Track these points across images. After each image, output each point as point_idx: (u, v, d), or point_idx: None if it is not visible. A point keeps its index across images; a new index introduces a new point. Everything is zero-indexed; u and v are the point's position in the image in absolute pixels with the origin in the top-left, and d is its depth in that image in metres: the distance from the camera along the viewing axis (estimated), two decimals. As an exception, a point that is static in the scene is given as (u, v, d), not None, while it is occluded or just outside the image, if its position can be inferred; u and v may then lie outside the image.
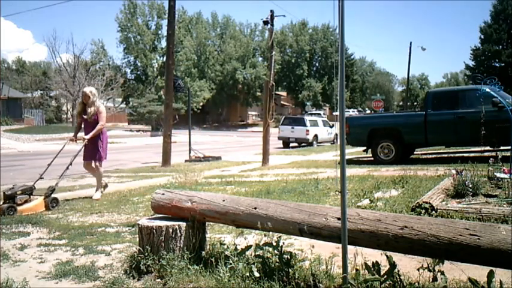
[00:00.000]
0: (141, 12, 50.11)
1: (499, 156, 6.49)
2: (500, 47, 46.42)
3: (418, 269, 2.54)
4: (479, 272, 2.54)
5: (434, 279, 2.48)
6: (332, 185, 6.83)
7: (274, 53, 14.24)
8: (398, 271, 2.52)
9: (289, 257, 2.87)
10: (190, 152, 14.32)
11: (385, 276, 2.49)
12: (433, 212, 4.44)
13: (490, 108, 8.42)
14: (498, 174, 5.82)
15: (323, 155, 15.02)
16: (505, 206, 4.58)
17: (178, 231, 3.26)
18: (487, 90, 8.77)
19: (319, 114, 43.02)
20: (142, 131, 40.67)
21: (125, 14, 49.18)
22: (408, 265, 3.06)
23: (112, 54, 75.34)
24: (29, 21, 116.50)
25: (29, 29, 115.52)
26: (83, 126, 6.91)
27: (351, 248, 2.62)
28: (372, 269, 2.54)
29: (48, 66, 54.35)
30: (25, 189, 5.88)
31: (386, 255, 2.54)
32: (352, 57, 65.54)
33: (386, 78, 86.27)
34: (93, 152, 6.79)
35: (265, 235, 3.70)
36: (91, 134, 6.62)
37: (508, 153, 6.42)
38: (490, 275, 2.26)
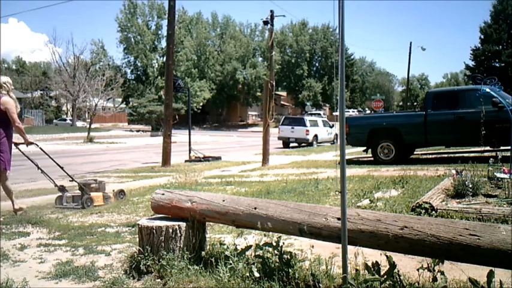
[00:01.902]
0: (141, 12, 50.18)
1: (499, 156, 6.49)
2: (500, 47, 46.38)
3: (418, 269, 2.54)
4: (479, 272, 2.54)
5: (434, 279, 2.48)
6: (332, 185, 6.83)
7: (274, 53, 14.24)
8: (398, 271, 2.52)
9: (289, 257, 2.87)
10: (190, 152, 14.32)
11: (385, 276, 2.49)
12: (433, 212, 4.44)
13: (490, 108, 8.41)
14: (498, 174, 5.82)
15: (323, 155, 15.02)
16: (505, 206, 4.58)
17: (178, 232, 3.26)
18: (487, 90, 8.76)
19: (319, 114, 43.04)
20: (142, 131, 40.70)
21: (125, 14, 49.25)
22: (408, 265, 3.06)
23: (112, 54, 75.44)
24: (29, 21, 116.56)
25: (28, 28, 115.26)
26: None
27: (350, 248, 2.62)
28: (372, 269, 2.54)
29: (48, 66, 54.35)
30: None
31: (386, 255, 2.54)
32: (352, 57, 65.53)
33: (386, 78, 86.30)
34: None
35: (265, 235, 3.70)
36: None
37: (508, 153, 6.42)
38: (490, 275, 2.26)
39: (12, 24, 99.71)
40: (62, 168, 6.32)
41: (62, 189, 6.27)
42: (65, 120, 48.85)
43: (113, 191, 6.71)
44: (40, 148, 6.15)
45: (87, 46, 79.39)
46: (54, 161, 6.25)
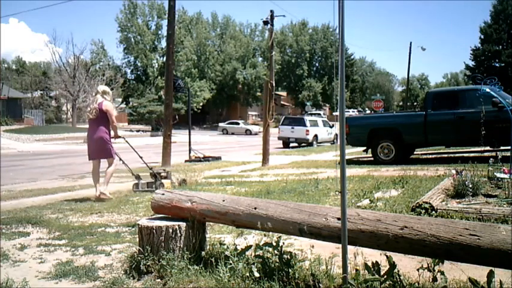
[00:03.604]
0: (141, 12, 50.15)
1: (499, 156, 6.49)
2: (500, 47, 46.39)
3: (418, 269, 2.54)
4: (479, 272, 2.54)
5: (434, 279, 2.48)
6: (332, 185, 6.83)
7: (274, 53, 14.24)
8: (398, 271, 2.52)
9: (289, 257, 2.87)
10: (190, 152, 14.32)
11: (385, 276, 2.49)
12: (433, 212, 4.44)
13: (490, 108, 8.41)
14: (498, 174, 5.82)
15: (323, 155, 15.02)
16: (505, 206, 4.58)
17: (178, 232, 3.26)
18: (487, 90, 8.77)
19: (319, 114, 43.06)
20: (142, 131, 40.67)
21: (125, 14, 49.22)
22: (408, 265, 3.06)
23: (112, 54, 75.31)
24: (30, 21, 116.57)
25: (29, 28, 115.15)
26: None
27: (350, 248, 2.62)
28: (372, 269, 2.54)
29: (48, 66, 54.37)
30: None
31: (386, 255, 2.54)
32: (352, 57, 65.56)
33: (386, 78, 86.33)
34: None
35: (265, 235, 3.70)
36: None
37: (508, 153, 6.42)
38: (490, 275, 2.26)
39: (12, 24, 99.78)
40: (141, 158, 7.43)
41: (138, 177, 7.41)
42: (238, 124, 42.88)
43: (177, 179, 7.94)
44: (126, 141, 7.30)
45: (87, 46, 79.56)
46: (137, 153, 7.41)
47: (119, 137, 7.08)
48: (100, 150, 6.77)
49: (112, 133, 6.90)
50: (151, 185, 7.33)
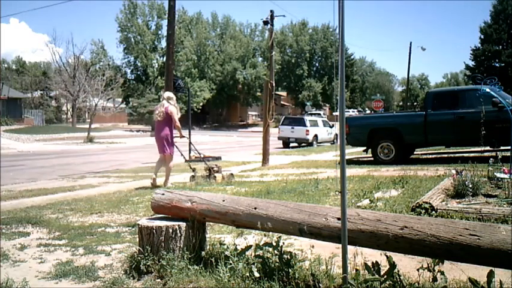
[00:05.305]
0: (141, 12, 50.11)
1: (499, 156, 6.49)
2: (500, 47, 46.36)
3: (418, 269, 2.54)
4: (479, 272, 2.54)
5: (434, 279, 2.48)
6: (332, 185, 6.82)
7: (274, 53, 14.24)
8: (398, 271, 2.52)
9: (289, 257, 2.87)
10: (190, 152, 14.30)
11: (385, 276, 2.49)
12: (433, 212, 4.44)
13: (490, 108, 8.41)
14: (498, 174, 5.82)
15: (323, 155, 15.02)
16: (505, 206, 4.58)
17: (178, 232, 3.26)
18: (487, 90, 8.76)
19: (319, 114, 43.02)
20: (142, 131, 40.67)
21: (125, 14, 49.18)
22: (408, 265, 3.06)
23: (112, 54, 75.23)
24: (30, 21, 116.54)
25: (29, 28, 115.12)
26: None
27: (350, 248, 2.62)
28: (372, 269, 2.54)
29: (48, 66, 54.36)
30: None
31: (386, 255, 2.54)
32: (352, 57, 65.50)
33: (386, 78, 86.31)
34: None
35: (265, 235, 3.70)
36: None
37: (508, 153, 6.42)
38: (490, 275, 2.26)
39: (13, 24, 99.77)
40: (200, 154, 9.09)
41: (194, 170, 8.51)
42: None
43: (226, 174, 8.66)
44: (188, 139, 8.87)
45: (87, 46, 79.50)
46: (196, 150, 9.09)
47: (183, 136, 8.19)
48: (162, 147, 7.85)
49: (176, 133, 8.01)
50: (205, 177, 8.33)
